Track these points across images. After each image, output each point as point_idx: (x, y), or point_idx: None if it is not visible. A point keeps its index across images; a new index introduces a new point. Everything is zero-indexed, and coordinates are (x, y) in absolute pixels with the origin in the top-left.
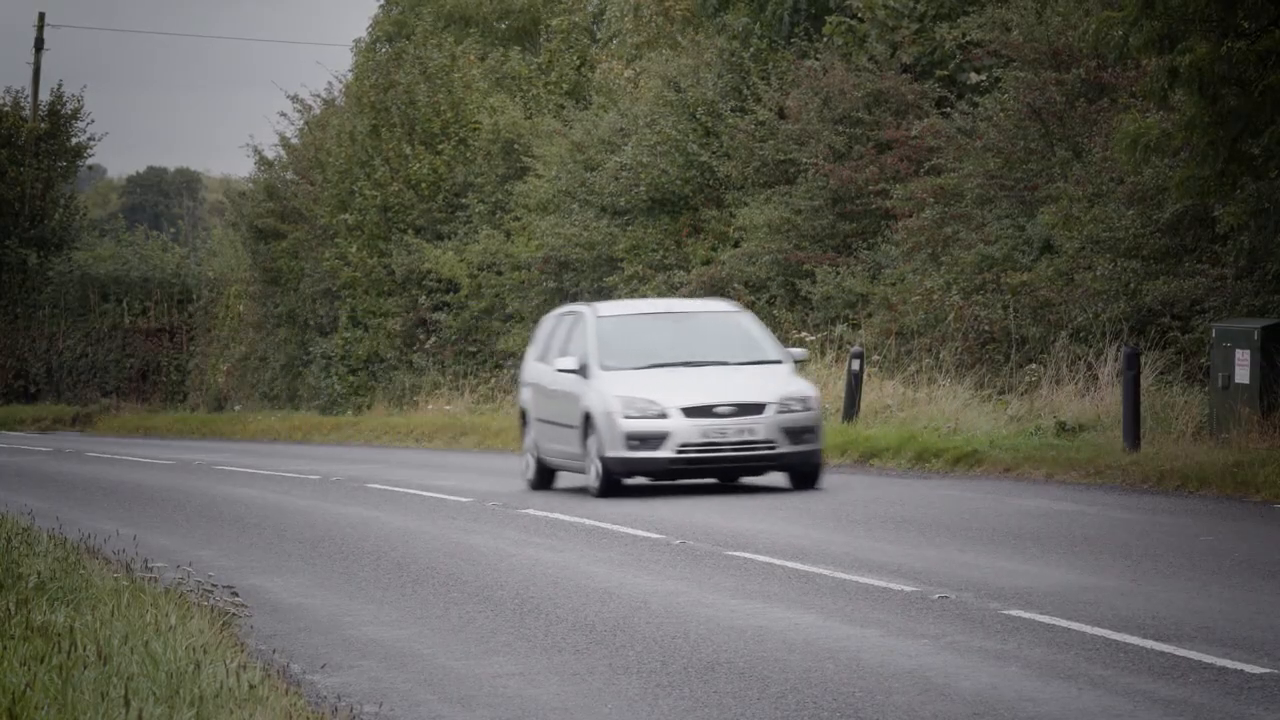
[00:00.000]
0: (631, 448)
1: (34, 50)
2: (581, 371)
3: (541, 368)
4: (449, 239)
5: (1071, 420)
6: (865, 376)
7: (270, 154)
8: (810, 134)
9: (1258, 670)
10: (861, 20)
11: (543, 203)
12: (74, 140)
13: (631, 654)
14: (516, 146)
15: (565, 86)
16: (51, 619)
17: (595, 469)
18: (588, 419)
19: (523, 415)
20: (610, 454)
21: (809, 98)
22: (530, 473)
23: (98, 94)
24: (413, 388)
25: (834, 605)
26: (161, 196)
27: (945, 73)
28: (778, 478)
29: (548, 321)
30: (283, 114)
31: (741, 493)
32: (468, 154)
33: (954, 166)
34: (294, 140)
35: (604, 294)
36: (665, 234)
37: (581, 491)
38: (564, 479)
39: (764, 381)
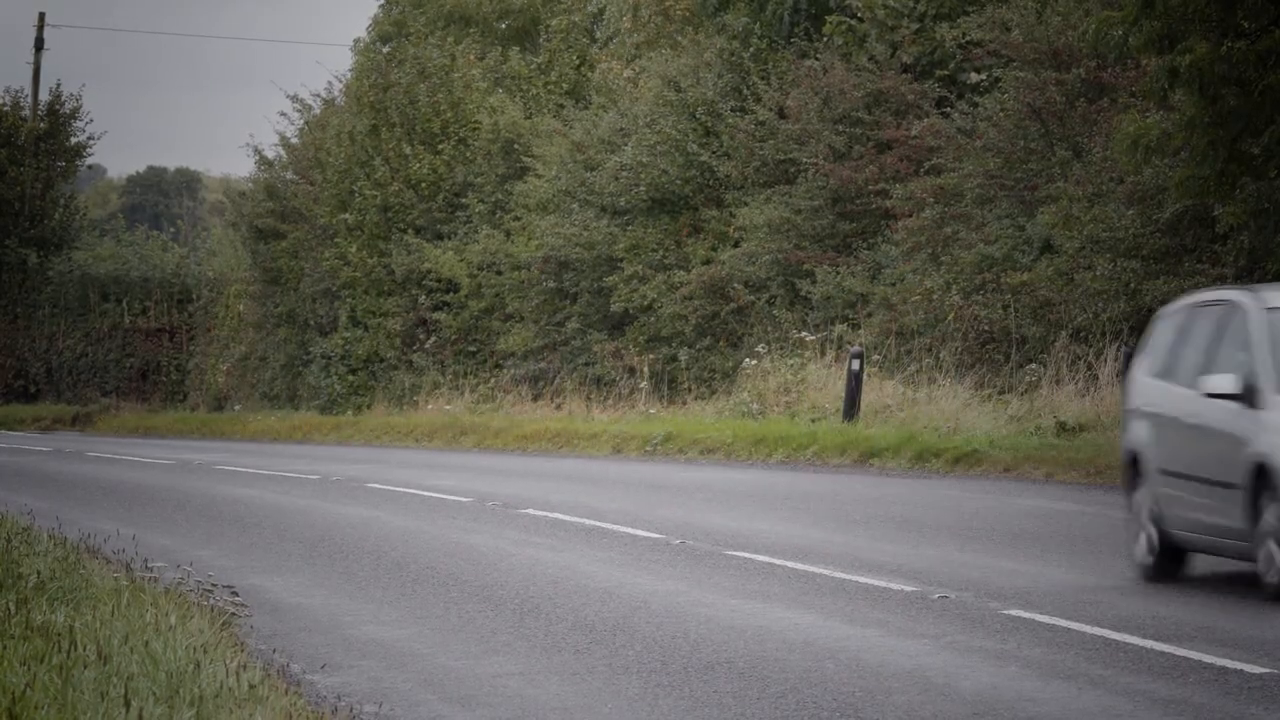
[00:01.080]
0: None
1: (34, 50)
2: (1246, 397)
3: (1165, 389)
4: (449, 239)
5: (1071, 420)
6: (865, 376)
7: (270, 154)
8: (810, 134)
9: (1258, 670)
10: (861, 20)
11: (542, 202)
12: (73, 140)
13: (631, 654)
14: (516, 146)
15: (565, 86)
16: (51, 619)
17: (1277, 555)
18: (1261, 474)
19: (1132, 461)
20: None
21: (809, 97)
22: (1144, 550)
23: (97, 94)
24: (412, 387)
25: (834, 605)
26: (161, 196)
27: (945, 72)
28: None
29: (1171, 317)
30: (283, 114)
31: (741, 493)
32: (467, 154)
33: (954, 166)
34: (294, 140)
35: (603, 294)
36: (665, 234)
37: (1241, 585)
38: (1202, 562)
39: None
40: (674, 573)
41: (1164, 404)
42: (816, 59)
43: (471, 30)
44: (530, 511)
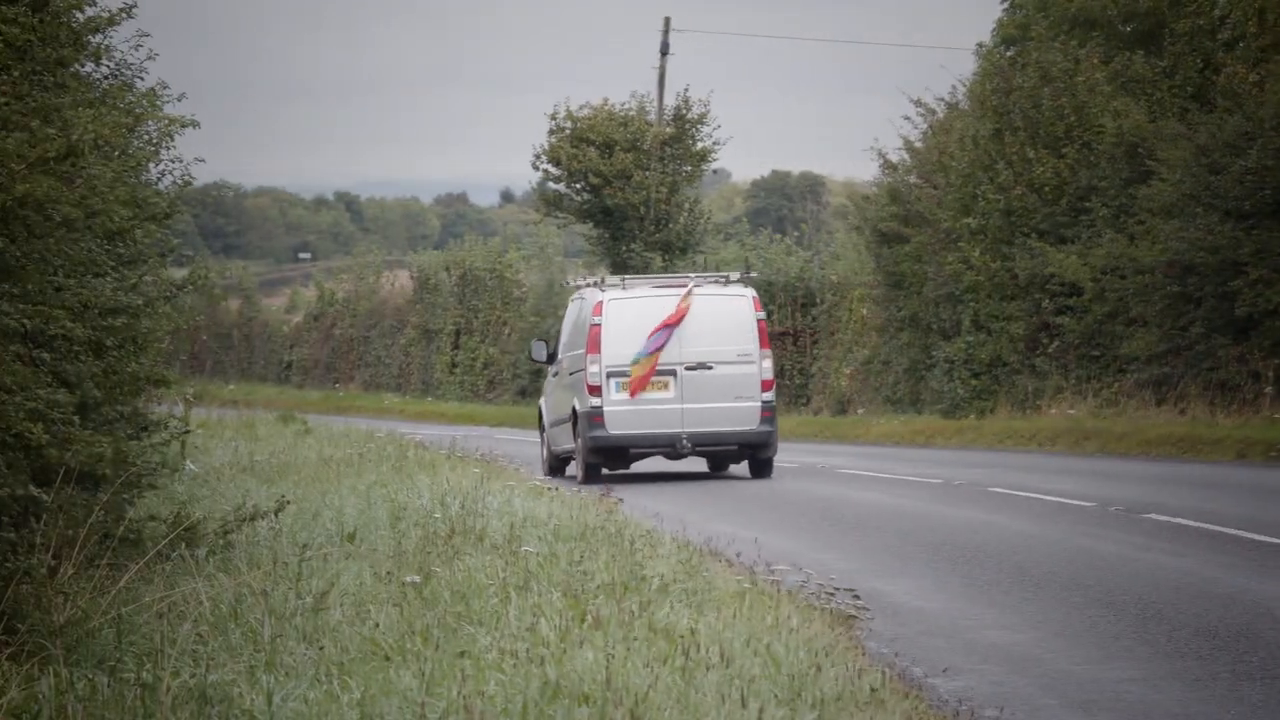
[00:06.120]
0: None
1: (659, 55)
2: None
3: None
4: (1072, 242)
5: None
6: None
7: (894, 157)
8: None
9: None
10: None
11: (1166, 206)
12: (699, 145)
13: (1255, 660)
14: (1140, 150)
15: (1189, 89)
16: (674, 621)
17: None
18: None
19: None
20: None
21: None
22: None
23: (723, 98)
24: (1035, 392)
25: None
26: (785, 200)
27: None
28: None
29: None
30: (906, 117)
31: None
32: (1091, 157)
33: None
34: (917, 144)
35: (1228, 298)
36: None
37: None
38: None
39: None
40: None
41: None
42: None
43: (1095, 34)
44: (1152, 516)
